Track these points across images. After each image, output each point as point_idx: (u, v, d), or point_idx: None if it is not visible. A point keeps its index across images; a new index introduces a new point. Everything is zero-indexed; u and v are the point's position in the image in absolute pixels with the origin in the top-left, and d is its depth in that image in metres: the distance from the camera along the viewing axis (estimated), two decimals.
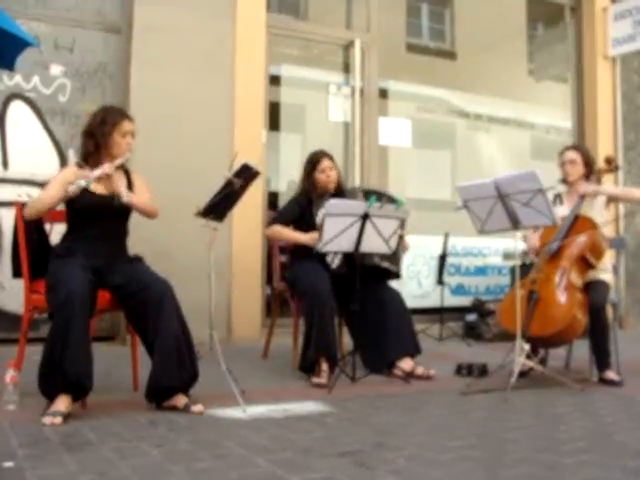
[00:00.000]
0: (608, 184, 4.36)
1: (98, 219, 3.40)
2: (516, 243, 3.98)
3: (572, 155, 4.36)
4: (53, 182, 3.42)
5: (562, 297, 4.01)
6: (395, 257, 4.34)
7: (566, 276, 4.06)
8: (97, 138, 3.43)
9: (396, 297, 4.34)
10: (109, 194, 3.41)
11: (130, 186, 3.56)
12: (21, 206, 3.42)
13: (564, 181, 4.42)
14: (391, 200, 4.37)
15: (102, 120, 3.45)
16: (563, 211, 4.27)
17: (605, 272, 4.26)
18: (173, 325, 3.20)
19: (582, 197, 4.24)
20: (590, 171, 4.35)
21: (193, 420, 3.04)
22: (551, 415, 3.33)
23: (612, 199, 4.33)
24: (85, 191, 3.28)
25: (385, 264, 4.37)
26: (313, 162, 4.48)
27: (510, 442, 2.80)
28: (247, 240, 5.62)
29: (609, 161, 4.44)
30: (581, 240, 4.12)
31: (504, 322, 4.16)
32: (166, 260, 4.70)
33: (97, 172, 3.32)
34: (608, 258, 4.35)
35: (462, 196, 4.00)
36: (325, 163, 4.45)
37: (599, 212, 4.26)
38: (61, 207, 3.56)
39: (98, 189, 3.40)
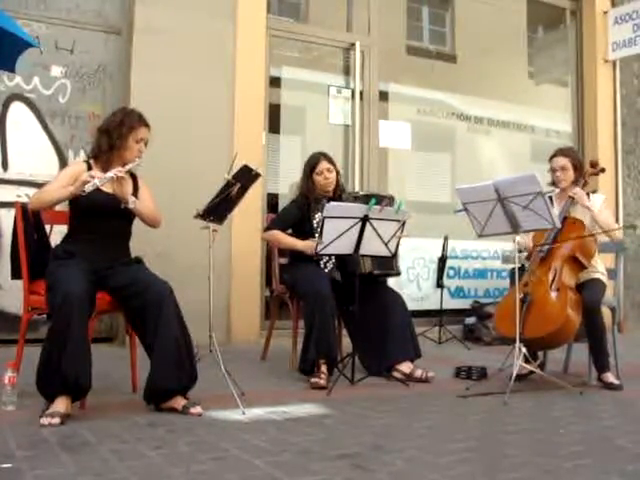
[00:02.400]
0: (600, 198, 4.35)
1: (103, 218, 3.40)
2: (515, 247, 3.98)
3: (562, 161, 4.36)
4: (61, 176, 3.43)
5: (555, 298, 4.02)
6: (391, 257, 4.32)
7: (558, 277, 4.07)
8: (112, 138, 3.44)
9: (398, 300, 4.34)
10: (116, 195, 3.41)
11: (136, 190, 3.56)
12: (21, 206, 3.42)
13: (553, 184, 4.43)
14: (391, 202, 4.38)
15: (121, 122, 3.46)
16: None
17: (599, 271, 4.26)
18: (173, 327, 3.19)
19: (571, 198, 4.25)
20: (580, 174, 4.37)
21: (192, 422, 3.04)
22: (550, 418, 3.33)
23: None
24: (96, 189, 3.26)
25: (378, 271, 4.37)
26: (312, 164, 4.47)
27: (509, 445, 2.80)
28: (247, 242, 5.61)
29: (594, 165, 4.48)
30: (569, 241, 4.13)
31: (500, 327, 4.17)
32: (166, 262, 4.71)
33: (110, 174, 3.31)
34: (602, 260, 4.35)
35: (462, 199, 4.01)
36: (323, 165, 4.44)
37: (588, 217, 4.25)
38: (61, 207, 3.56)
39: (107, 189, 3.39)
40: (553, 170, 4.41)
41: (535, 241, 4.28)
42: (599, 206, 4.26)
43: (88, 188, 3.20)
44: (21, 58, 4.25)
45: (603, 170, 4.56)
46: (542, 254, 4.18)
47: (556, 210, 4.32)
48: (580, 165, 4.40)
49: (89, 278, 3.17)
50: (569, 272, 4.13)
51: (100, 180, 3.24)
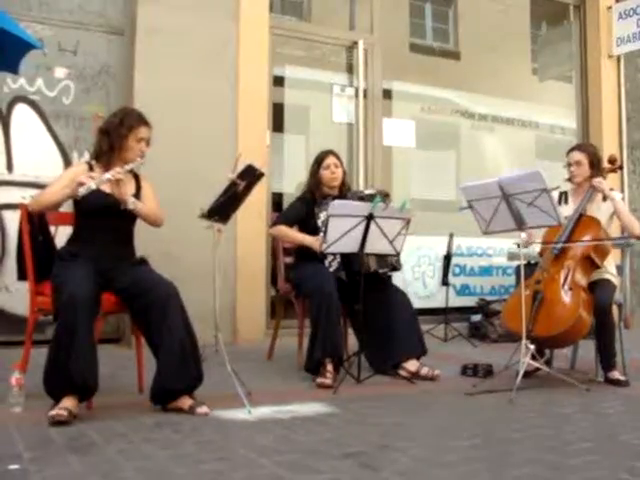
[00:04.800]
0: (618, 195, 4.34)
1: (104, 219, 3.40)
2: (521, 244, 3.97)
3: (578, 156, 4.34)
4: (62, 178, 3.44)
5: (567, 297, 4.00)
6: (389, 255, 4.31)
7: (571, 276, 4.05)
8: (112, 139, 3.44)
9: (403, 298, 4.34)
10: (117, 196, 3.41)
11: (138, 191, 3.56)
12: (26, 208, 3.42)
13: (570, 180, 4.41)
14: (384, 196, 4.39)
15: (120, 122, 3.45)
16: (568, 210, 4.26)
17: (610, 272, 4.25)
18: (178, 327, 3.20)
19: (592, 187, 4.22)
20: (597, 171, 4.33)
21: (198, 422, 3.04)
22: (556, 415, 3.32)
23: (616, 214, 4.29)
24: (96, 190, 3.26)
25: (382, 270, 4.37)
26: (319, 159, 4.52)
27: (515, 443, 2.80)
28: (251, 242, 5.62)
29: (612, 161, 4.43)
30: (585, 239, 4.11)
31: (509, 323, 4.15)
32: (171, 262, 4.70)
33: (107, 175, 3.30)
34: (612, 258, 4.34)
35: (466, 196, 4.00)
36: (330, 160, 4.48)
37: (604, 216, 4.24)
38: (65, 209, 3.56)
39: (107, 189, 3.38)
40: (568, 164, 4.38)
41: (547, 238, 4.26)
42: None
43: (81, 191, 3.20)
44: (24, 60, 4.27)
45: (621, 167, 4.52)
46: (556, 251, 4.17)
47: (571, 208, 4.31)
48: (597, 161, 4.35)
49: (94, 279, 3.17)
50: (582, 271, 4.11)
51: (96, 182, 3.24)
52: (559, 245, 4.13)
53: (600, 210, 4.25)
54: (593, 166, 4.32)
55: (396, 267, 4.49)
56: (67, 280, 3.09)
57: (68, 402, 2.97)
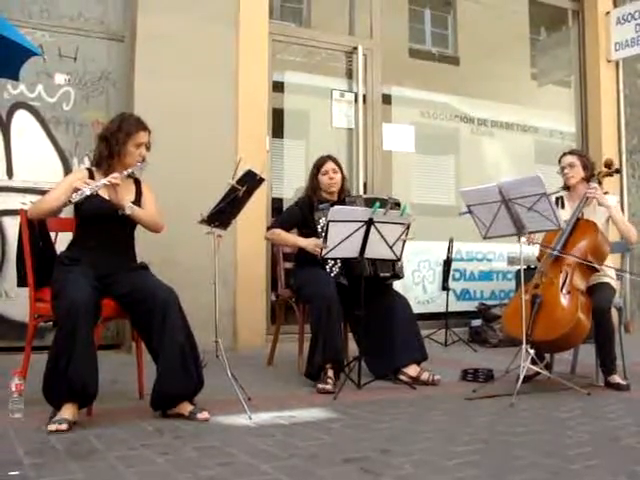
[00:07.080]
0: (614, 199, 4.34)
1: (103, 225, 3.40)
2: (520, 248, 3.97)
3: (570, 159, 4.37)
4: (61, 184, 3.45)
5: (566, 301, 4.00)
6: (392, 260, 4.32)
7: (569, 279, 4.05)
8: (111, 145, 3.44)
9: (404, 303, 4.34)
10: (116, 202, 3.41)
11: (139, 197, 3.56)
12: (25, 214, 3.42)
13: (566, 188, 4.42)
14: (396, 205, 4.38)
15: (118, 128, 3.46)
16: (565, 215, 4.26)
17: (609, 275, 4.25)
18: (178, 333, 3.19)
19: (586, 198, 4.23)
20: (590, 174, 4.35)
21: (199, 427, 3.04)
22: (557, 420, 3.32)
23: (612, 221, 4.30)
24: (94, 196, 3.27)
25: (384, 274, 4.37)
26: (318, 164, 4.54)
27: (516, 447, 2.80)
28: (251, 247, 5.62)
29: (609, 165, 4.44)
30: (583, 243, 4.12)
31: (509, 327, 4.16)
32: (171, 267, 4.71)
33: (103, 181, 3.31)
34: (612, 261, 4.33)
35: (466, 201, 4.00)
36: (329, 165, 4.50)
37: (600, 220, 4.24)
38: (65, 215, 3.57)
39: (106, 195, 3.39)
40: (562, 169, 4.40)
41: (546, 241, 4.26)
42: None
43: (75, 197, 3.20)
44: (25, 66, 4.27)
45: (618, 171, 4.53)
46: (553, 256, 4.17)
47: (568, 212, 4.32)
48: (590, 165, 4.38)
49: (94, 284, 3.17)
50: (580, 275, 4.11)
51: (90, 188, 3.24)
52: (555, 252, 4.13)
53: (596, 214, 4.26)
54: (586, 168, 4.35)
55: (398, 275, 4.49)
56: (67, 286, 3.09)
57: (67, 412, 2.97)
